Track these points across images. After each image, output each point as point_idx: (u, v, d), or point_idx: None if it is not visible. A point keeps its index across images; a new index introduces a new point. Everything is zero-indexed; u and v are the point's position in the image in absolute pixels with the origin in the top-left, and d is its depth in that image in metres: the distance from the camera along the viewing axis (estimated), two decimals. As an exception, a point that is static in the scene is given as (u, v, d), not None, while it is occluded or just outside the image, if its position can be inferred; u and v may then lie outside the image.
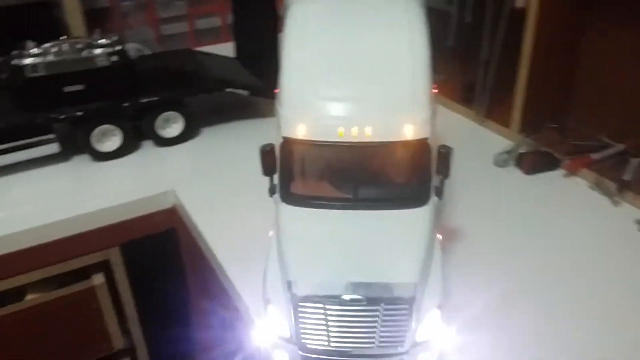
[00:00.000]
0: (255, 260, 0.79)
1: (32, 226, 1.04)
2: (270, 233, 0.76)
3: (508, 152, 1.17)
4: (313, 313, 0.66)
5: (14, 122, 1.14)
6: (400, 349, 0.66)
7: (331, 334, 0.66)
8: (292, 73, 0.75)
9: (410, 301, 0.65)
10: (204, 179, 1.19)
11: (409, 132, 0.71)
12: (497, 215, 1.04)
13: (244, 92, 1.31)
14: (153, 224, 1.14)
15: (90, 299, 1.13)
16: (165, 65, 1.39)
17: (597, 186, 1.07)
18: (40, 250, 1.06)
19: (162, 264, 1.25)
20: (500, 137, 1.28)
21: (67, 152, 1.23)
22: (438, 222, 0.80)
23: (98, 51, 1.20)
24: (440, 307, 0.68)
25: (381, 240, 0.70)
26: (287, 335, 0.68)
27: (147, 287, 1.23)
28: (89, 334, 1.16)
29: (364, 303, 0.64)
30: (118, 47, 1.22)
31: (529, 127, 1.22)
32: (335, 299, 0.64)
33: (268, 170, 0.77)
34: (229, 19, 1.69)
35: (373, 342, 0.66)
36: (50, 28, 1.78)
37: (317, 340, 0.67)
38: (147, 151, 1.28)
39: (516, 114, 1.23)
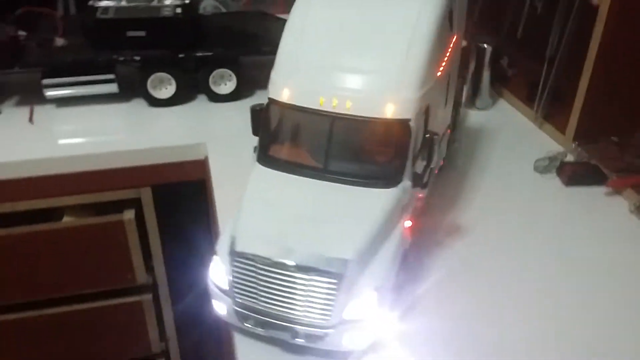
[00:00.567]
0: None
1: (77, 154, 1.14)
2: None
3: (550, 159, 1.09)
4: (246, 270, 0.66)
5: (79, 57, 1.24)
6: (325, 323, 0.65)
7: (261, 293, 0.66)
8: (288, 38, 0.76)
9: (339, 276, 0.63)
10: (240, 138, 1.21)
11: (390, 111, 0.69)
12: (514, 220, 0.97)
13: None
14: (184, 172, 1.20)
15: (119, 231, 1.21)
16: (232, 24, 1.42)
17: (636, 209, 0.96)
18: (81, 177, 1.15)
19: (189, 211, 1.30)
20: (555, 142, 1.18)
21: (127, 94, 1.31)
22: (414, 209, 0.77)
23: (167, 2, 1.27)
24: (378, 289, 0.66)
25: (336, 214, 0.69)
26: (225, 287, 0.69)
27: (174, 229, 1.30)
28: (115, 264, 1.24)
29: (293, 269, 0.64)
30: (186, 1, 1.28)
31: (585, 136, 1.12)
32: (268, 260, 0.64)
33: (256, 130, 0.78)
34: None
35: (299, 310, 0.65)
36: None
37: (248, 297, 0.67)
38: (200, 104, 1.33)
39: (573, 120, 1.13)
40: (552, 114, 1.20)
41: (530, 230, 0.95)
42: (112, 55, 1.24)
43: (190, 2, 1.29)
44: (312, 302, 0.64)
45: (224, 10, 1.55)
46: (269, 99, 0.74)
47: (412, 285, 0.79)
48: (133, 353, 1.41)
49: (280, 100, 0.73)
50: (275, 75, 0.75)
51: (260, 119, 0.75)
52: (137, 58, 1.24)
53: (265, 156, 0.75)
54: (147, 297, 1.30)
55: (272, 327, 0.67)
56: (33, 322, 1.27)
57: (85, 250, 1.21)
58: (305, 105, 0.71)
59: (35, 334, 1.29)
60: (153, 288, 1.33)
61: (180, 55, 1.26)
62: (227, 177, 1.06)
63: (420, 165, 0.74)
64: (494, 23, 1.34)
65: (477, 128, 1.25)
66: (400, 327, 0.73)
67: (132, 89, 1.30)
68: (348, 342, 0.67)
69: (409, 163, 0.71)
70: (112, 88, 1.28)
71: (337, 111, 0.70)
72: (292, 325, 0.66)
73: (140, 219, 1.24)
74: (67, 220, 1.20)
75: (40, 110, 1.27)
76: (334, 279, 0.63)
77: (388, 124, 0.70)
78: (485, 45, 1.23)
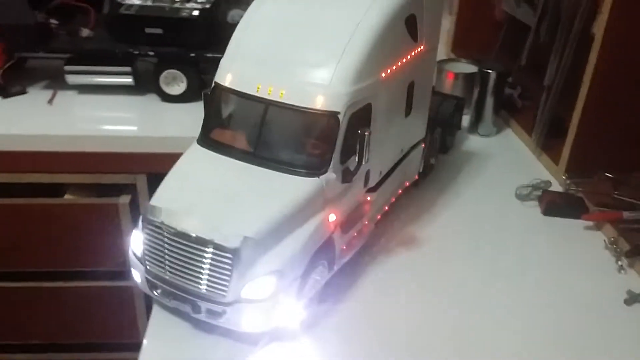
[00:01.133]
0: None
1: (83, 134, 1.22)
2: None
3: (533, 187, 1.05)
4: (155, 238, 0.69)
5: (98, 48, 1.32)
6: (222, 299, 0.66)
7: (167, 262, 0.68)
8: (239, 29, 0.80)
9: (234, 252, 0.64)
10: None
11: (320, 102, 0.70)
12: (474, 239, 0.95)
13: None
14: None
15: (113, 214, 1.27)
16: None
17: (612, 244, 0.91)
18: (81, 157, 1.23)
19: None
20: (548, 173, 1.14)
21: (142, 88, 1.38)
22: (339, 203, 0.76)
23: (188, 5, 1.35)
24: (278, 273, 0.66)
25: (251, 195, 0.70)
26: (140, 255, 0.72)
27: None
28: (108, 246, 1.29)
29: (193, 239, 0.65)
30: (207, 5, 1.35)
31: (579, 169, 1.07)
32: (172, 230, 0.66)
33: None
34: None
35: (200, 283, 0.67)
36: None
37: (156, 266, 0.69)
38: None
39: (565, 152, 1.08)
40: (550, 144, 1.16)
41: (487, 249, 0.92)
42: (128, 49, 1.32)
43: (210, 7, 1.36)
44: (212, 276, 0.66)
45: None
46: (214, 82, 0.78)
47: (339, 282, 0.79)
48: (122, 337, 1.45)
49: (223, 84, 0.76)
50: (224, 61, 0.78)
51: (206, 102, 0.78)
52: (151, 53, 1.31)
53: (204, 137, 0.78)
54: (138, 283, 1.35)
55: (176, 299, 0.69)
56: (29, 293, 1.35)
57: (83, 226, 1.27)
58: (243, 91, 0.74)
59: (29, 305, 1.37)
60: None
61: (192, 55, 1.32)
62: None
63: (353, 162, 0.74)
64: (512, 54, 1.32)
65: (473, 152, 1.23)
66: (312, 319, 0.72)
67: (148, 83, 1.37)
68: (247, 323, 0.67)
69: (335, 156, 0.71)
70: (129, 80, 1.35)
71: (271, 98, 0.72)
72: (194, 299, 0.67)
73: (136, 206, 1.29)
74: (69, 197, 1.27)
75: (62, 95, 1.36)
76: (230, 254, 0.64)
77: (317, 115, 0.71)
78: (490, 71, 1.21)
